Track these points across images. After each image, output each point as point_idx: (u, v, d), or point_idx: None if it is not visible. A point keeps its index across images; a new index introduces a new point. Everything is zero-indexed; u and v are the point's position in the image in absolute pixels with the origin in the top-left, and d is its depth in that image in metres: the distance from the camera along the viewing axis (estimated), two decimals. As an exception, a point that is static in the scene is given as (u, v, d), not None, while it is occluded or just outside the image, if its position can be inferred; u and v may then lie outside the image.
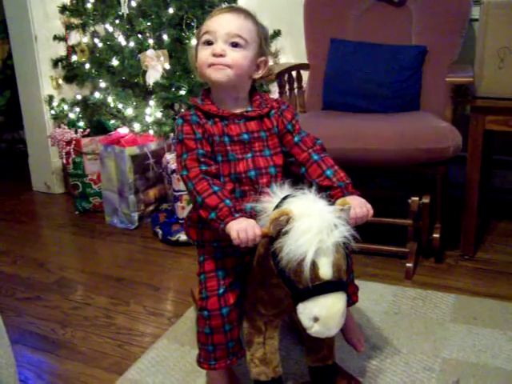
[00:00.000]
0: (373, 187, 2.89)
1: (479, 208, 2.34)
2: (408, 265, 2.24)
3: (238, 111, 1.41)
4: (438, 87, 2.46)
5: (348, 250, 1.20)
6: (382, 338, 1.83)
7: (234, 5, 1.41)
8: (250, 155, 1.39)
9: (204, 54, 1.36)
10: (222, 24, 1.35)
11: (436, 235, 2.32)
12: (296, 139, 1.42)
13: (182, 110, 2.87)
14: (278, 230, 1.18)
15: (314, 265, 1.13)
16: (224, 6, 1.40)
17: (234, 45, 1.35)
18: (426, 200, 2.24)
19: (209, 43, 1.36)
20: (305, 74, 2.75)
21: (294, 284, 1.17)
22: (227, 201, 1.27)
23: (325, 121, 2.44)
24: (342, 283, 1.18)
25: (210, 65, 1.35)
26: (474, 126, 2.23)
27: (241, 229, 1.20)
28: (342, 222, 1.17)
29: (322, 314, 1.14)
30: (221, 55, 1.34)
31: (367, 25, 2.70)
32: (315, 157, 1.40)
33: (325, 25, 2.76)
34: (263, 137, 1.41)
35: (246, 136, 1.39)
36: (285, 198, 1.25)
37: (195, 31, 1.47)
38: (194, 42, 2.68)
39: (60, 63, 3.27)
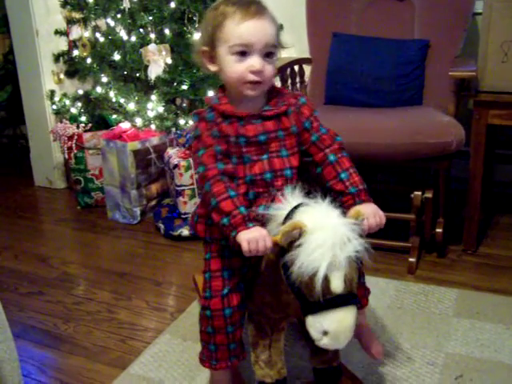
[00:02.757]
0: (376, 182, 2.88)
1: (482, 203, 2.34)
2: (411, 259, 2.24)
3: (255, 110, 1.35)
4: (440, 81, 2.44)
5: (361, 263, 1.18)
6: (385, 332, 1.83)
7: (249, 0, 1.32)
8: (265, 156, 1.34)
9: (239, 69, 1.28)
10: (257, 34, 1.26)
11: (439, 230, 2.31)
12: (313, 138, 1.37)
13: (184, 105, 2.87)
14: (289, 242, 1.16)
15: (325, 278, 1.11)
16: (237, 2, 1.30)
17: (268, 54, 1.29)
18: (428, 195, 2.23)
19: (242, 54, 1.28)
20: (307, 69, 2.74)
21: (304, 296, 1.15)
22: (242, 208, 1.23)
23: (327, 115, 2.41)
24: (353, 297, 1.16)
25: (248, 82, 1.29)
26: (477, 121, 2.22)
27: (252, 239, 1.18)
28: (355, 235, 1.14)
29: (331, 328, 1.12)
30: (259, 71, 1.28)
31: (370, 19, 2.69)
32: (331, 157, 1.34)
33: (327, 19, 2.75)
34: (280, 136, 1.35)
35: (262, 137, 1.33)
36: (297, 207, 1.22)
37: (200, 26, 1.40)
38: (196, 36, 2.68)
39: (61, 58, 3.27)
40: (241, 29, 1.26)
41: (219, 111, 1.33)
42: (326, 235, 1.11)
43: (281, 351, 1.43)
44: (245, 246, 1.18)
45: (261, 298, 1.39)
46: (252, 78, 1.28)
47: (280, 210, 1.24)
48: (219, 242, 1.39)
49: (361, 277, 1.51)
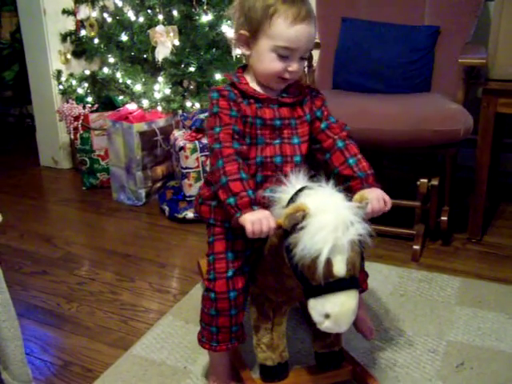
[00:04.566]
0: (382, 168, 2.87)
1: (488, 191, 2.32)
2: (415, 247, 2.23)
3: (272, 95, 1.38)
4: (450, 68, 2.42)
5: (363, 247, 1.18)
6: (387, 319, 1.83)
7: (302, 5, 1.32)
8: (278, 141, 1.37)
9: (278, 67, 1.32)
10: (304, 41, 1.31)
11: (444, 218, 2.30)
12: (323, 126, 1.41)
13: (191, 87, 2.86)
14: (292, 225, 1.17)
15: (328, 262, 1.12)
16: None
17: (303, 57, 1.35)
18: (434, 182, 2.22)
19: (284, 56, 1.32)
20: (315, 53, 2.72)
21: (306, 280, 1.16)
22: (250, 191, 1.24)
23: (334, 100, 2.39)
24: (355, 281, 1.16)
25: (281, 78, 1.35)
26: (485, 109, 2.20)
27: (255, 220, 1.19)
28: (359, 218, 1.15)
29: (333, 312, 1.13)
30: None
31: (379, 4, 2.65)
32: (340, 143, 1.38)
33: (336, 3, 2.72)
34: (293, 124, 1.39)
35: (278, 122, 1.37)
36: (301, 190, 1.22)
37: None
38: (204, 18, 2.67)
39: (69, 38, 3.26)
40: (290, 32, 1.29)
41: (240, 90, 1.36)
42: (329, 218, 1.12)
43: (283, 335, 1.44)
44: (249, 228, 1.19)
45: (264, 282, 1.39)
46: (287, 76, 1.34)
47: (284, 193, 1.25)
48: (223, 224, 1.40)
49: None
